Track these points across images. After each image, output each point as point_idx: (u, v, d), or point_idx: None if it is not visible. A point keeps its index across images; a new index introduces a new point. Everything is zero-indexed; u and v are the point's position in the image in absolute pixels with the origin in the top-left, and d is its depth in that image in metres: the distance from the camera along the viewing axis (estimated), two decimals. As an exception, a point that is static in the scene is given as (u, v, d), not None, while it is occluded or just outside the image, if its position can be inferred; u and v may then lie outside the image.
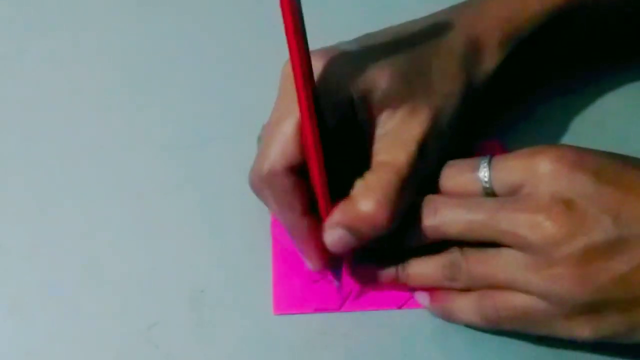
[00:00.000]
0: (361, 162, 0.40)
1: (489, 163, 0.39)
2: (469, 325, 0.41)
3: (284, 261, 0.43)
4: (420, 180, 0.40)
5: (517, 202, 0.38)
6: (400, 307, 0.42)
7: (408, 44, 0.41)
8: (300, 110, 0.37)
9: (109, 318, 0.42)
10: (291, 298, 0.42)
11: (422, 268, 0.41)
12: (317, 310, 0.42)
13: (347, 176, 0.40)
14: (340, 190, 0.40)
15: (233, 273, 0.43)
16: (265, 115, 0.48)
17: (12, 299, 0.42)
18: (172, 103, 0.50)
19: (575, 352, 0.41)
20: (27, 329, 0.41)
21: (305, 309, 0.42)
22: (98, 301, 0.42)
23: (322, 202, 0.40)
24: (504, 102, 0.47)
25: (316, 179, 0.39)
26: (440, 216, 0.39)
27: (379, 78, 0.40)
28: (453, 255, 0.40)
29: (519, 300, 0.38)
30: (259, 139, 0.44)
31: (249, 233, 0.44)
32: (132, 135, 0.48)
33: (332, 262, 0.41)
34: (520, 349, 0.41)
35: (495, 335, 0.41)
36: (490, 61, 0.43)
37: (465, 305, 0.40)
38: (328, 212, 0.39)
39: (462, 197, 0.40)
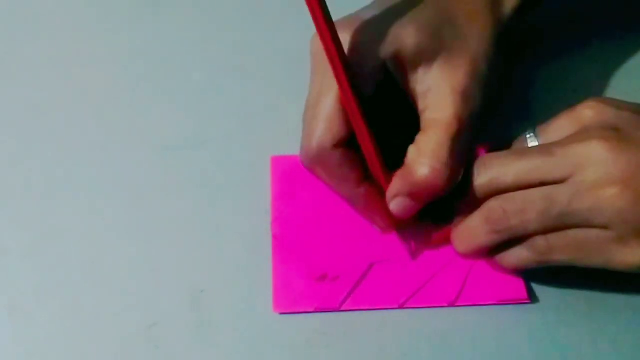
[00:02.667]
0: (409, 125, 0.41)
1: (535, 134, 0.41)
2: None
3: (284, 261, 0.43)
4: (470, 128, 0.40)
5: (568, 138, 0.39)
6: (400, 307, 0.42)
7: None
8: (339, 85, 0.38)
9: (109, 318, 0.42)
10: (291, 297, 0.42)
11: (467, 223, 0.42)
12: (317, 309, 0.42)
13: (398, 140, 0.41)
14: (394, 155, 0.40)
15: (233, 273, 0.43)
16: (265, 115, 0.48)
17: (12, 299, 0.42)
18: (172, 103, 0.50)
19: (574, 352, 0.41)
20: (27, 329, 0.41)
21: (306, 308, 0.42)
22: (98, 301, 0.42)
23: (378, 171, 0.40)
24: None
25: (368, 148, 0.40)
26: (492, 169, 0.40)
27: (406, 36, 0.40)
28: (493, 203, 0.40)
29: (571, 229, 0.39)
30: (303, 116, 0.43)
31: (249, 233, 0.44)
32: (132, 135, 0.48)
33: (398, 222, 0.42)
34: (521, 349, 0.41)
35: (494, 335, 0.41)
36: None
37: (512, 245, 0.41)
38: (386, 179, 0.40)
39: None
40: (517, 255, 0.41)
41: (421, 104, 0.41)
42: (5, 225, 0.45)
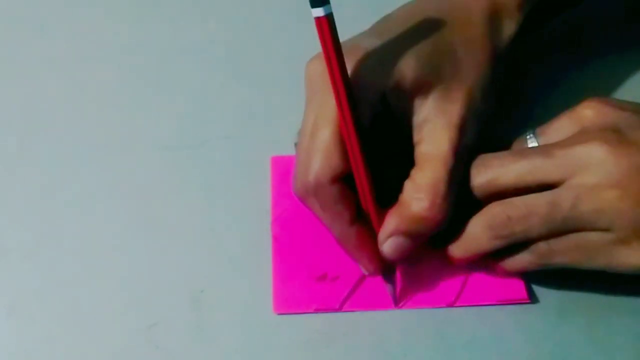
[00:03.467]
0: (401, 159, 0.40)
1: (534, 134, 0.41)
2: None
3: (284, 261, 0.43)
4: (465, 159, 0.40)
5: (568, 139, 0.39)
6: (400, 307, 0.42)
7: (426, 24, 0.41)
8: (341, 114, 0.37)
9: (109, 318, 0.42)
10: (291, 298, 0.42)
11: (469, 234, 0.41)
12: (317, 310, 0.42)
13: (391, 174, 0.40)
14: (387, 191, 0.40)
15: (233, 273, 0.43)
16: (265, 115, 0.48)
17: (12, 299, 0.42)
18: (172, 103, 0.50)
19: (574, 352, 0.41)
20: (27, 329, 0.41)
21: (306, 309, 0.42)
22: (98, 301, 0.42)
23: (371, 209, 0.39)
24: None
25: (363, 183, 0.39)
26: (491, 170, 0.40)
27: (406, 68, 0.39)
28: (496, 208, 0.40)
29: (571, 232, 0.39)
30: (296, 145, 0.43)
31: (249, 233, 0.44)
32: (133, 136, 0.48)
33: (384, 265, 0.41)
34: (521, 349, 0.41)
35: (494, 335, 0.41)
36: (511, 24, 0.43)
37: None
38: (379, 218, 0.39)
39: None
40: (519, 260, 0.40)
41: (416, 136, 0.40)
42: (5, 225, 0.45)
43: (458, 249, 0.41)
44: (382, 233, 0.40)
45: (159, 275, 0.43)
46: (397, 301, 0.42)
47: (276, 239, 0.44)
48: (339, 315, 0.42)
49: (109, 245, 0.44)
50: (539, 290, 0.43)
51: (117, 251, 0.44)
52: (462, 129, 0.40)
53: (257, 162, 0.47)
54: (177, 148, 0.48)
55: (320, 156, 0.38)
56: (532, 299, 0.42)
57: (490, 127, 0.42)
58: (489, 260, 0.42)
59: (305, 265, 0.43)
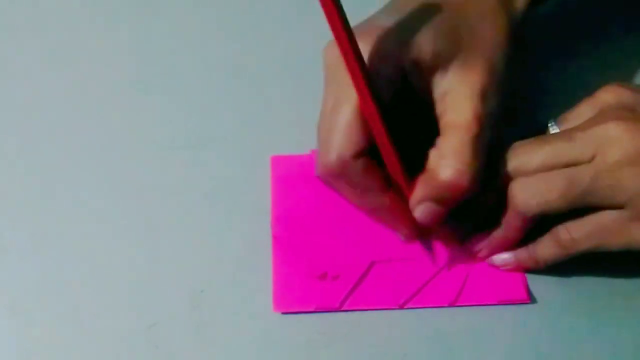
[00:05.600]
0: (427, 131, 0.41)
1: (556, 122, 0.42)
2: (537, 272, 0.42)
3: (284, 260, 0.43)
4: (489, 127, 0.40)
5: (587, 122, 0.40)
6: (400, 307, 0.42)
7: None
8: (358, 92, 0.38)
9: (109, 318, 0.42)
10: (291, 296, 0.42)
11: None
12: (318, 309, 0.42)
13: (417, 147, 0.40)
14: (413, 163, 0.40)
15: (233, 273, 0.43)
16: (265, 115, 0.48)
17: (12, 299, 0.42)
18: (172, 103, 0.50)
19: (574, 352, 0.41)
20: (27, 329, 0.41)
21: (306, 308, 0.42)
22: (98, 301, 0.42)
23: (401, 178, 0.40)
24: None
25: (389, 154, 0.39)
26: (516, 158, 0.40)
27: (424, 42, 0.39)
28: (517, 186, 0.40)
29: (589, 216, 0.39)
30: (318, 129, 0.43)
31: (249, 233, 0.44)
32: (132, 136, 0.48)
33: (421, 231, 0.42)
34: (521, 349, 0.41)
35: (494, 335, 0.41)
36: None
37: (539, 243, 0.41)
38: (408, 186, 0.40)
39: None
40: (546, 253, 0.41)
41: (439, 107, 0.40)
42: (5, 225, 0.45)
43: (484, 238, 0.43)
44: (412, 200, 0.40)
45: (159, 275, 0.43)
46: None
47: (276, 239, 0.44)
48: (339, 315, 0.42)
49: (108, 245, 0.44)
50: (539, 290, 0.43)
51: (117, 251, 0.44)
52: (484, 97, 0.40)
53: (257, 162, 0.47)
54: (177, 148, 0.48)
55: (341, 134, 0.39)
56: (532, 299, 0.42)
57: (513, 116, 0.43)
58: (517, 258, 0.42)
59: (305, 264, 0.43)
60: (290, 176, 0.46)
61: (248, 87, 0.50)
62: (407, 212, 0.41)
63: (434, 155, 0.40)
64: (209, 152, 0.48)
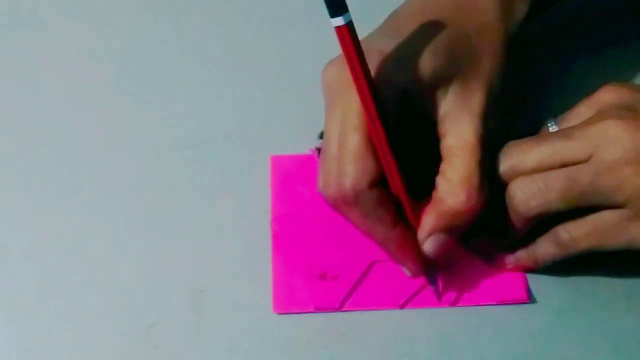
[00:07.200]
0: (427, 154, 0.40)
1: (555, 122, 0.41)
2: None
3: (284, 261, 0.43)
4: (491, 145, 0.40)
5: (586, 121, 0.40)
6: (400, 307, 0.42)
7: (438, 16, 0.41)
8: (370, 118, 0.37)
9: (109, 318, 0.42)
10: (291, 297, 0.42)
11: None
12: (317, 309, 0.42)
13: (418, 172, 0.40)
14: (416, 189, 0.40)
15: (233, 273, 0.43)
16: (265, 115, 0.48)
17: (12, 299, 0.42)
18: (173, 103, 0.50)
19: (574, 352, 0.41)
20: (27, 329, 0.41)
21: (306, 309, 0.42)
22: (98, 301, 0.42)
23: (407, 206, 0.39)
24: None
25: (397, 184, 0.39)
26: (514, 156, 0.40)
27: (423, 64, 0.39)
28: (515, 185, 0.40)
29: (588, 216, 0.39)
30: (317, 151, 0.42)
31: (249, 233, 0.44)
32: (132, 136, 0.48)
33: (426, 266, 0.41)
34: (521, 349, 0.41)
35: (494, 335, 0.41)
36: (522, 6, 0.43)
37: (540, 244, 0.41)
38: (414, 215, 0.39)
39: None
40: (546, 253, 0.41)
41: (441, 130, 0.40)
42: (5, 225, 0.45)
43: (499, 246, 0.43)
44: (422, 232, 0.40)
45: (159, 275, 0.43)
46: (441, 298, 0.42)
47: (276, 239, 0.44)
48: (339, 315, 0.42)
49: (109, 245, 0.44)
50: (539, 290, 0.43)
51: (117, 251, 0.44)
52: (485, 117, 0.40)
53: (257, 162, 0.47)
54: (177, 148, 0.48)
55: (355, 163, 0.38)
56: (532, 299, 0.42)
57: (512, 118, 0.43)
58: (517, 259, 0.43)
59: (305, 264, 0.43)
60: (290, 176, 0.46)
61: (248, 87, 0.50)
62: (414, 246, 0.40)
63: (441, 183, 0.39)
64: (209, 152, 0.48)
